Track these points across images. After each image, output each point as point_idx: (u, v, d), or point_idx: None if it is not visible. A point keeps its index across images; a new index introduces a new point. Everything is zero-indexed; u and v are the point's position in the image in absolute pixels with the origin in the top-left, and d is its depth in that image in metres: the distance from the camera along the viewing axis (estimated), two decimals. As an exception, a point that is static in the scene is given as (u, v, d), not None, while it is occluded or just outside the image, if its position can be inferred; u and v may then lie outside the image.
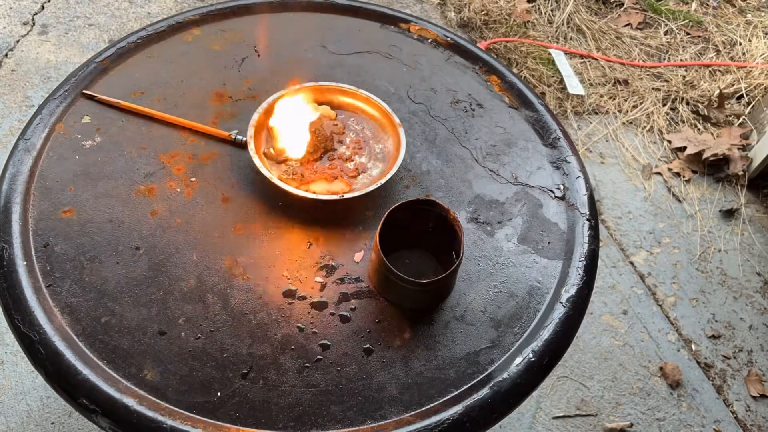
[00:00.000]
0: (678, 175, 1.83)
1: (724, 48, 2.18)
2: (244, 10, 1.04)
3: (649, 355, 1.46)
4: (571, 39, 2.14)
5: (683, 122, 1.96)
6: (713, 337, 1.51)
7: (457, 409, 0.67)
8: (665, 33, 2.22)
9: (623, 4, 2.29)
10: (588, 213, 0.85)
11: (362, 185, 0.82)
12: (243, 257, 0.76)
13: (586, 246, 0.81)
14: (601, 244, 1.48)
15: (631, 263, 1.61)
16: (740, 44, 2.18)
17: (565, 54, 2.07)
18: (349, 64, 0.99)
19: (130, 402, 0.64)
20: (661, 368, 1.44)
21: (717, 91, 2.00)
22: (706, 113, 1.98)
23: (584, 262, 0.80)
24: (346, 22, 1.05)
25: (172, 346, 0.69)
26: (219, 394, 0.66)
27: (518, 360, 0.71)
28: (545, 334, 0.73)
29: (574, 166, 0.90)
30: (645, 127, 1.94)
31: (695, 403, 1.40)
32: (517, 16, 2.14)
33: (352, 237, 0.80)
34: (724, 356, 1.49)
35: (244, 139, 0.85)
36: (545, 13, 2.19)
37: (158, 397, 0.65)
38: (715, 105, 1.98)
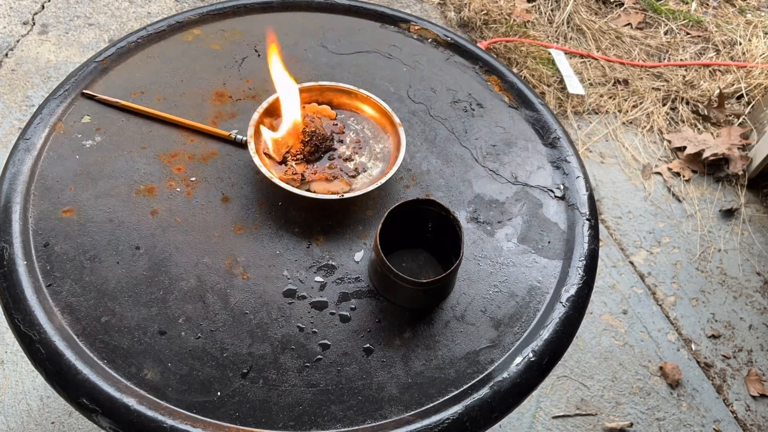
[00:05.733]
0: (678, 174, 1.84)
1: (724, 48, 2.18)
2: (244, 10, 1.04)
3: (649, 354, 1.46)
4: (571, 39, 2.14)
5: (683, 122, 1.96)
6: (713, 336, 1.52)
7: (457, 408, 0.67)
8: (665, 33, 2.22)
9: (623, 4, 2.29)
10: (588, 213, 0.85)
11: (362, 185, 0.82)
12: (243, 257, 0.76)
13: (586, 246, 0.81)
14: (601, 243, 1.48)
15: (631, 263, 1.61)
16: (740, 44, 2.18)
17: (565, 54, 2.07)
18: (349, 64, 0.99)
19: (130, 401, 0.64)
20: (661, 368, 1.44)
21: (717, 91, 2.00)
22: (706, 113, 1.98)
23: (584, 262, 0.80)
24: (346, 22, 1.05)
25: (172, 346, 0.69)
26: (219, 393, 0.66)
27: (518, 360, 0.71)
28: (545, 333, 0.73)
29: (574, 165, 0.90)
30: (645, 126, 1.94)
31: (695, 402, 1.40)
32: (517, 16, 2.14)
33: (352, 237, 0.80)
34: (724, 356, 1.49)
35: (244, 138, 0.85)
36: (545, 13, 2.19)
37: (158, 396, 0.65)
38: (715, 105, 1.99)
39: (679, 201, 1.77)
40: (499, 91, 0.99)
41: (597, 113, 1.95)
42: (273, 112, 0.86)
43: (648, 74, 2.07)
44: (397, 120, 0.86)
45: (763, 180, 1.84)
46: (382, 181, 0.80)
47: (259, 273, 0.75)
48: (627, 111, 1.96)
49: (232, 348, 0.69)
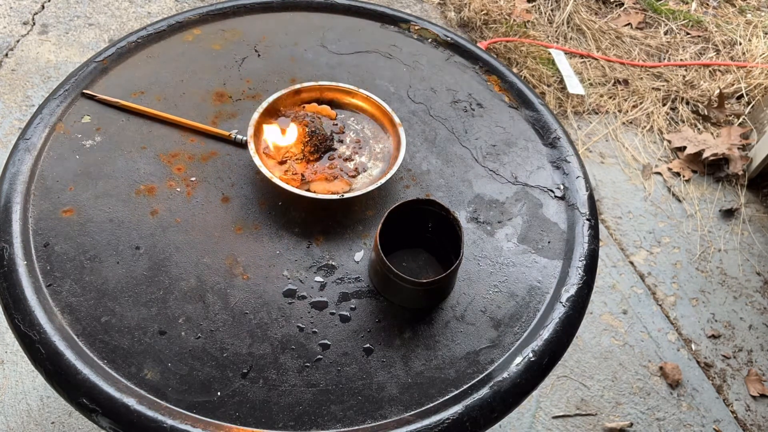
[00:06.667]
0: (678, 174, 1.84)
1: (724, 48, 2.18)
2: (244, 10, 1.04)
3: (648, 354, 1.46)
4: (571, 39, 2.14)
5: (683, 122, 1.96)
6: (713, 336, 1.52)
7: (457, 408, 0.67)
8: (665, 33, 2.22)
9: (623, 4, 2.29)
10: (588, 213, 0.85)
11: (362, 185, 0.82)
12: (243, 257, 0.76)
13: (586, 246, 0.81)
14: (601, 243, 1.48)
15: (631, 263, 1.61)
16: (740, 44, 2.18)
17: (565, 54, 2.07)
18: (349, 64, 0.99)
19: (130, 401, 0.64)
20: (661, 368, 1.44)
21: (717, 91, 2.00)
22: (706, 113, 1.98)
23: (584, 262, 0.80)
24: (346, 22, 1.05)
25: (172, 346, 0.69)
26: (219, 393, 0.66)
27: (518, 360, 0.71)
28: (545, 333, 0.73)
29: (574, 165, 0.90)
30: (645, 126, 1.94)
31: (695, 402, 1.40)
32: (517, 16, 2.14)
33: (352, 237, 0.80)
34: (723, 356, 1.49)
35: (244, 138, 0.85)
36: (545, 13, 2.19)
37: (158, 396, 0.65)
38: (715, 105, 1.99)
39: (679, 201, 1.77)
40: (499, 91, 0.99)
41: (597, 113, 1.95)
42: (273, 113, 0.86)
43: (648, 74, 2.07)
44: (397, 120, 0.86)
45: (763, 180, 1.84)
46: (382, 181, 0.80)
47: (259, 273, 0.75)
48: (627, 111, 1.96)
49: (232, 348, 0.69)
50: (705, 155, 1.84)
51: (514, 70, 1.99)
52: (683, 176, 1.83)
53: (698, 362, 1.47)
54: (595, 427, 1.34)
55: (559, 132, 0.93)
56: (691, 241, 1.69)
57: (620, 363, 1.44)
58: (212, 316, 0.71)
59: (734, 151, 1.85)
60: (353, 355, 0.70)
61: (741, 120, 1.97)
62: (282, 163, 0.83)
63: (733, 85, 2.05)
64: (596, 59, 2.08)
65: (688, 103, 2.00)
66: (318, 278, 0.76)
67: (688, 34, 2.23)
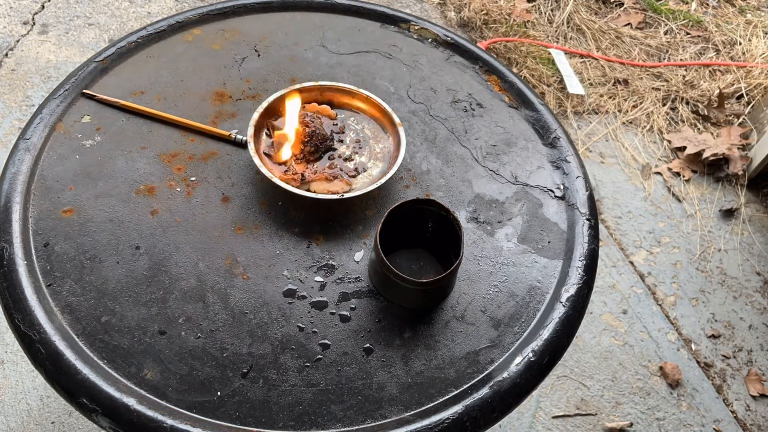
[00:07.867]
0: (678, 174, 1.84)
1: (724, 48, 2.18)
2: (244, 10, 1.04)
3: (648, 354, 1.46)
4: (571, 39, 2.14)
5: (683, 122, 1.96)
6: (713, 336, 1.52)
7: (457, 408, 0.67)
8: (665, 33, 2.22)
9: (623, 4, 2.29)
10: (588, 212, 0.85)
11: (362, 185, 0.82)
12: (243, 257, 0.76)
13: (586, 245, 0.81)
14: (600, 243, 1.48)
15: (631, 263, 1.61)
16: (740, 44, 2.18)
17: (565, 54, 2.07)
18: (349, 64, 0.99)
19: (131, 401, 0.64)
20: (660, 368, 1.44)
21: (717, 91, 2.00)
22: (706, 113, 1.98)
23: (584, 262, 0.80)
24: (346, 22, 1.05)
25: (172, 346, 0.69)
26: (219, 393, 0.66)
27: (518, 359, 0.71)
28: (545, 333, 0.73)
29: (574, 165, 0.90)
30: (645, 126, 1.94)
31: (695, 402, 1.40)
32: (517, 16, 2.14)
33: (352, 237, 0.80)
34: (723, 356, 1.49)
35: (244, 138, 0.85)
36: (545, 13, 2.19)
37: (158, 396, 0.65)
38: (715, 105, 1.99)
39: (679, 201, 1.77)
40: (499, 91, 0.99)
41: (597, 113, 1.95)
42: (273, 113, 0.86)
43: (648, 74, 2.07)
44: (397, 120, 0.86)
45: (763, 180, 1.84)
46: (382, 181, 0.80)
47: (259, 273, 0.75)
48: (627, 111, 1.96)
49: (232, 348, 0.69)
50: (705, 155, 1.84)
51: (514, 70, 1.99)
52: (683, 176, 1.83)
53: (698, 362, 1.47)
54: (595, 427, 1.34)
55: (559, 132, 0.93)
56: (691, 241, 1.69)
57: (620, 363, 1.44)
58: (212, 316, 0.71)
59: (734, 151, 1.85)
60: (353, 355, 0.70)
61: (741, 120, 1.97)
62: (282, 163, 0.83)
63: (733, 85, 2.05)
64: (596, 59, 2.08)
65: (688, 103, 2.00)
66: (318, 278, 0.76)
67: (688, 34, 2.23)
